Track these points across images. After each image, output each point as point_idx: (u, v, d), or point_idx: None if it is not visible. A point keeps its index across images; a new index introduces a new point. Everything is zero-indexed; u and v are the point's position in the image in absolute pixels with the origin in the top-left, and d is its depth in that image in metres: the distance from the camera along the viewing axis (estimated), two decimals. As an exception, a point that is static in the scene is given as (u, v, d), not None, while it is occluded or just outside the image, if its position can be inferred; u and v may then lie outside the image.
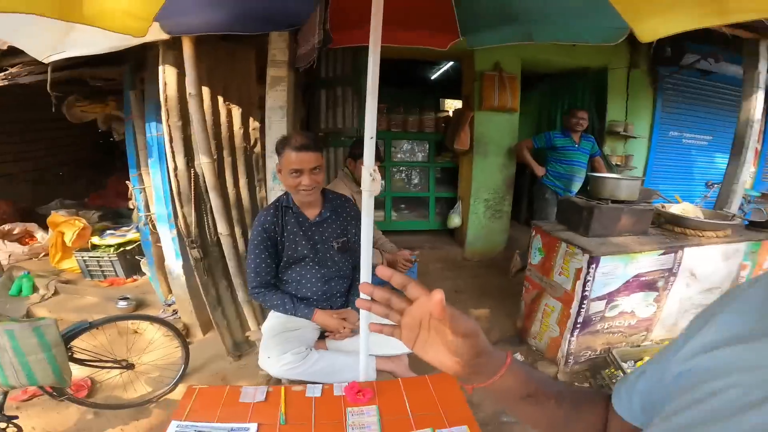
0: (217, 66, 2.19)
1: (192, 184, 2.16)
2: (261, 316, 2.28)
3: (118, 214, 3.90)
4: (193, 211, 2.17)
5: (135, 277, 3.26)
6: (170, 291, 2.74)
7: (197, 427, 1.04)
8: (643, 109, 4.38)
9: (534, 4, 1.73)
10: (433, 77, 6.67)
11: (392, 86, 4.83)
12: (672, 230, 2.31)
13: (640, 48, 4.03)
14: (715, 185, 4.26)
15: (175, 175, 2.13)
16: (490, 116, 3.79)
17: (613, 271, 2.02)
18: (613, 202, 2.20)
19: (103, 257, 3.18)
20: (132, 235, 3.35)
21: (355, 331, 1.59)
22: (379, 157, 2.35)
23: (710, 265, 2.27)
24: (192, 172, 2.16)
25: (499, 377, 0.51)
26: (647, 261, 2.09)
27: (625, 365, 2.13)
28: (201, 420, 1.07)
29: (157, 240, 2.62)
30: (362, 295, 0.53)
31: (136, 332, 2.57)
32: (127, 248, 3.28)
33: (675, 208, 2.47)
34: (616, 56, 4.07)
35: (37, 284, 3.06)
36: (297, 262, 1.60)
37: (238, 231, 2.26)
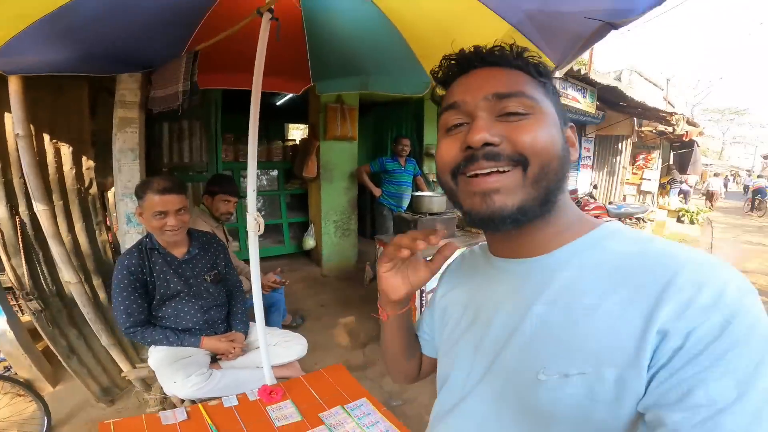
0: (44, 98, 2.02)
1: (19, 234, 1.95)
2: (131, 356, 2.18)
3: None
4: (23, 262, 1.95)
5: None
6: None
7: None
8: None
9: (369, 61, 2.14)
10: (278, 103, 6.86)
11: (237, 113, 4.85)
12: (470, 231, 3.15)
13: None
14: None
15: None
16: (333, 145, 4.21)
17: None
18: (430, 214, 2.90)
19: None
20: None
21: (245, 350, 1.76)
22: (237, 194, 2.50)
23: None
24: (17, 220, 1.95)
25: (406, 309, 0.69)
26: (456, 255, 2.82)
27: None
28: None
29: None
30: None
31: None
32: None
33: None
34: (430, 90, 5.02)
35: None
36: (171, 298, 1.65)
37: (81, 276, 2.09)
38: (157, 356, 1.66)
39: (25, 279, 1.96)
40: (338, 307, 3.66)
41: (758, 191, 13.40)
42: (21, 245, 1.97)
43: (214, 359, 1.75)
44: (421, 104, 4.94)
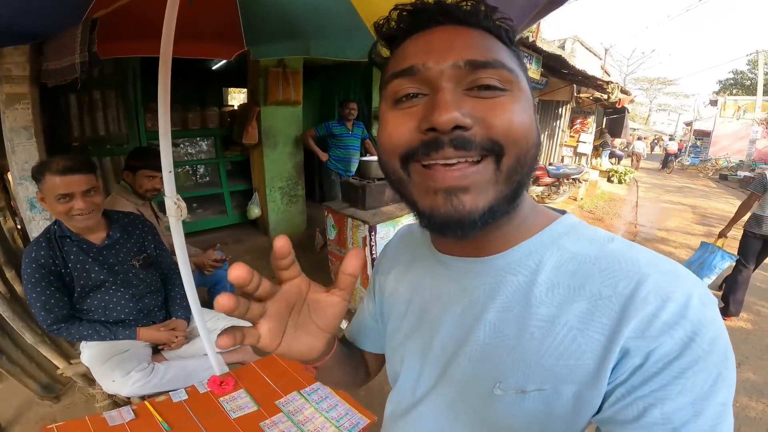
0: None
1: None
2: (65, 352, 2.00)
3: None
4: None
5: None
6: None
7: None
8: None
9: (311, 24, 1.97)
10: (214, 68, 6.32)
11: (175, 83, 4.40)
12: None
13: None
14: None
15: None
16: (276, 110, 4.01)
17: (386, 234, 2.68)
18: (378, 179, 2.84)
19: None
20: None
21: (189, 338, 1.66)
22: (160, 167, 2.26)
23: None
24: None
25: (335, 347, 0.54)
26: (408, 221, 2.83)
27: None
28: None
29: None
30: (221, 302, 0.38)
31: None
32: None
33: None
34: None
35: None
36: (95, 289, 1.49)
37: None
38: (90, 353, 1.52)
39: None
40: None
41: (670, 154, 16.02)
42: None
43: (157, 351, 1.65)
44: (369, 67, 4.83)
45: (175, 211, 1.22)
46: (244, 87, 5.55)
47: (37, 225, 1.91)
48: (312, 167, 5.04)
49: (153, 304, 1.65)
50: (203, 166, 4.47)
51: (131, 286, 1.57)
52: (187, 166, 4.35)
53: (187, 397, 1.27)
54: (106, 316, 1.52)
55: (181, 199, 1.24)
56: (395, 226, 2.73)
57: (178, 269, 1.78)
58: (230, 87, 7.25)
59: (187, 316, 1.72)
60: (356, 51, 2.11)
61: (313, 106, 5.87)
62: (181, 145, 4.21)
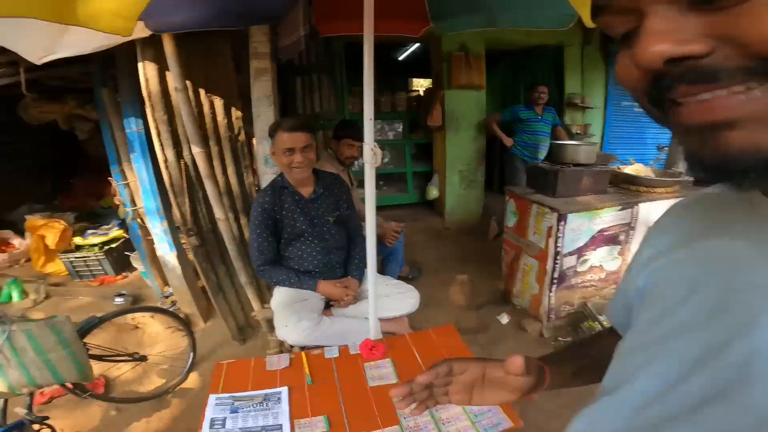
0: (196, 60, 2.22)
1: (183, 175, 2.22)
2: (263, 297, 2.38)
3: (93, 215, 3.85)
4: (187, 200, 2.23)
5: (125, 273, 3.28)
6: (166, 283, 2.79)
7: (235, 397, 1.13)
8: (597, 82, 4.73)
9: None
10: (400, 58, 6.75)
11: (362, 69, 4.90)
12: (628, 188, 2.57)
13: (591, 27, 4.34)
14: (666, 148, 4.61)
15: (166, 167, 2.18)
16: (459, 94, 4.00)
17: (579, 227, 2.26)
18: (575, 165, 2.43)
19: (89, 257, 3.17)
20: (115, 232, 3.37)
21: (357, 298, 1.74)
22: (361, 139, 2.48)
23: None
24: (182, 163, 2.22)
25: (547, 383, 0.59)
26: (608, 216, 2.34)
27: (601, 317, 2.36)
28: (235, 390, 1.15)
29: (147, 234, 2.63)
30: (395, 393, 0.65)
31: (137, 327, 2.62)
32: (113, 246, 3.28)
33: (629, 169, 2.73)
34: (570, 35, 4.31)
35: (26, 289, 3.03)
36: (296, 238, 1.72)
37: (231, 216, 2.34)
38: (278, 299, 1.74)
39: (188, 216, 2.25)
40: (458, 262, 3.50)
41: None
42: (185, 185, 2.26)
43: (327, 306, 1.78)
44: (560, 51, 4.47)
45: (370, 157, 1.25)
46: (427, 77, 5.72)
47: (267, 178, 2.24)
48: (493, 154, 4.87)
49: (336, 261, 1.80)
50: (391, 147, 4.79)
51: (323, 240, 1.75)
52: (380, 146, 4.71)
53: (337, 355, 1.32)
54: (298, 264, 1.75)
55: (377, 146, 1.27)
56: (592, 219, 2.28)
57: (361, 233, 1.92)
58: (415, 77, 7.60)
59: (361, 277, 1.81)
60: (549, 20, 1.84)
61: (496, 92, 5.62)
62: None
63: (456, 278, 2.84)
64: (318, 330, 1.56)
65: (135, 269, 3.19)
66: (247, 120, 2.66)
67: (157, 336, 2.42)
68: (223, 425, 1.03)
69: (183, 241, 2.51)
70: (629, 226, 2.45)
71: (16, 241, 3.64)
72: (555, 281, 2.36)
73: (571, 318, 2.59)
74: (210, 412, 1.08)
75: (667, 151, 4.32)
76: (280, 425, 1.02)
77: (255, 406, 1.09)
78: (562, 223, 2.20)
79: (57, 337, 1.60)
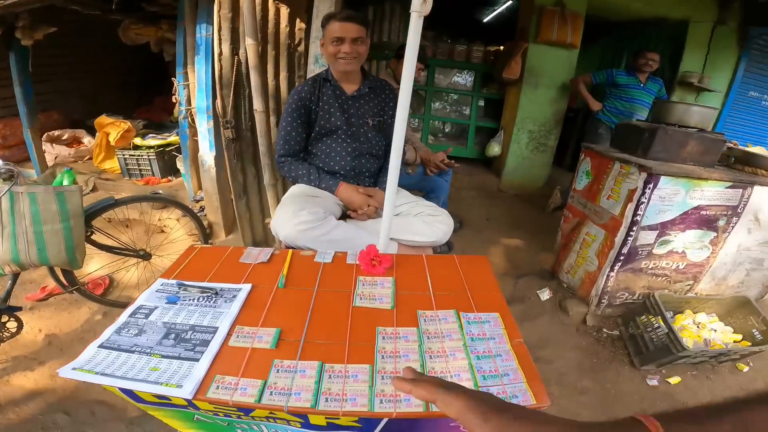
0: None
1: (234, 70, 2.16)
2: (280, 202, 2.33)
3: (161, 126, 4.01)
4: (231, 93, 2.16)
5: (170, 177, 3.36)
6: (200, 186, 2.78)
7: (182, 285, 0.91)
8: (723, 66, 4.14)
9: None
10: (485, 20, 6.23)
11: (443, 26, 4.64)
12: (741, 170, 2.04)
13: (730, 4, 3.79)
14: None
15: (219, 60, 2.16)
16: (545, 49, 3.57)
17: (671, 196, 1.80)
18: (681, 126, 1.95)
19: (142, 156, 3.28)
20: (172, 138, 3.46)
21: (379, 212, 1.50)
22: (424, 61, 2.27)
23: None
24: (236, 59, 2.18)
25: None
26: (712, 192, 1.85)
27: (667, 314, 1.92)
28: (191, 279, 0.95)
29: (195, 134, 2.69)
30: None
31: (163, 231, 2.63)
32: (167, 149, 3.37)
33: (748, 148, 2.17)
34: (700, 9, 3.80)
35: (77, 180, 3.16)
36: (329, 134, 1.55)
37: (272, 114, 2.25)
38: (290, 192, 1.56)
39: (229, 108, 2.18)
40: (507, 225, 3.15)
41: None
42: (233, 79, 2.20)
43: (345, 216, 1.57)
44: (683, 26, 3.88)
45: (420, 5, 0.97)
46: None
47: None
48: (571, 129, 4.37)
49: (367, 167, 1.60)
50: (459, 96, 4.43)
51: (356, 141, 1.57)
52: (446, 94, 4.43)
53: (330, 261, 1.06)
54: (325, 163, 1.57)
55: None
56: (690, 190, 1.81)
57: (402, 146, 1.71)
58: (498, 45, 7.11)
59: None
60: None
61: (593, 62, 5.03)
62: (442, 75, 4.29)
63: (502, 241, 2.50)
64: (319, 228, 1.30)
65: (180, 175, 3.23)
66: (310, 34, 2.58)
67: (176, 241, 2.38)
68: (147, 315, 0.84)
69: (224, 143, 2.46)
70: (735, 211, 1.94)
71: (86, 140, 3.89)
72: (621, 258, 1.94)
73: (626, 308, 2.18)
74: (143, 297, 0.89)
75: None
76: (216, 329, 0.80)
77: (200, 300, 0.88)
78: (650, 186, 1.76)
79: (59, 206, 1.51)
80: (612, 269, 1.99)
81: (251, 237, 2.39)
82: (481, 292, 0.94)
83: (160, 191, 2.92)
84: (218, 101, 2.17)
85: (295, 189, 1.56)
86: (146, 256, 2.07)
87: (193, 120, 2.63)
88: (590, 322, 2.18)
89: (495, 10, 5.78)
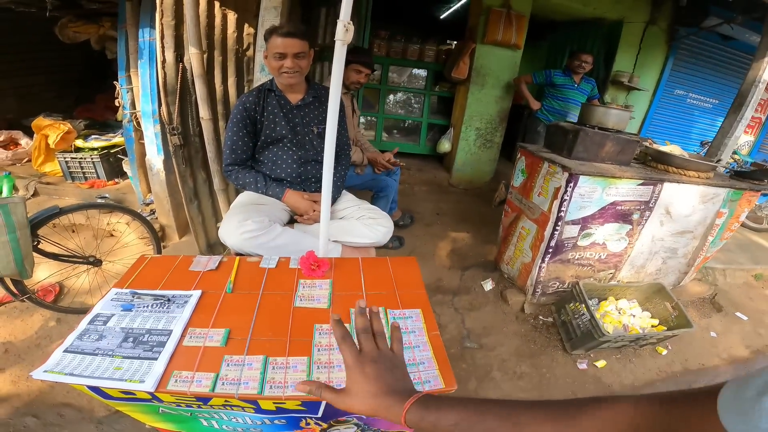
0: None
1: (179, 77, 2.16)
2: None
3: (105, 125, 3.83)
4: (177, 100, 2.16)
5: (117, 180, 3.25)
6: (150, 190, 2.75)
7: (136, 294, 0.97)
8: (652, 65, 4.44)
9: None
10: (442, 16, 6.37)
11: (400, 24, 4.72)
12: (655, 167, 2.29)
13: (661, 5, 4.07)
14: (709, 144, 4.27)
15: (163, 67, 2.14)
16: (492, 50, 3.75)
17: (590, 193, 2.03)
18: (601, 129, 2.18)
19: (85, 158, 3.14)
20: (117, 139, 3.32)
21: None
22: (370, 66, 2.37)
23: (687, 205, 2.27)
24: (180, 66, 2.17)
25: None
26: (626, 189, 2.09)
27: (590, 302, 2.16)
28: (143, 287, 1.01)
29: (141, 137, 2.64)
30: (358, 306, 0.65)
31: (112, 235, 2.58)
32: (111, 151, 3.25)
33: (661, 147, 2.44)
34: (634, 10, 4.07)
35: (17, 185, 3.03)
36: (275, 142, 1.62)
37: (221, 121, 2.28)
38: (238, 200, 1.63)
39: (175, 115, 2.18)
40: (455, 219, 3.34)
41: None
42: (179, 86, 2.19)
43: (292, 221, 1.65)
44: (618, 26, 4.15)
45: (343, 34, 1.06)
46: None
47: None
48: (516, 126, 4.63)
49: (313, 174, 1.68)
50: (411, 95, 4.58)
51: (302, 149, 1.65)
52: (398, 92, 4.57)
53: (274, 266, 1.14)
54: (271, 170, 1.64)
55: (351, 23, 1.07)
56: (606, 187, 2.04)
57: (348, 152, 1.82)
58: (453, 40, 7.26)
59: (336, 196, 1.69)
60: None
61: (534, 60, 5.38)
62: (396, 73, 4.43)
63: (450, 234, 2.67)
64: (265, 236, 1.38)
65: (128, 178, 3.15)
66: (259, 38, 2.59)
67: (128, 246, 2.36)
68: (105, 322, 0.90)
69: (171, 149, 2.44)
70: (647, 206, 2.20)
71: (23, 141, 3.67)
72: (550, 250, 2.16)
73: (558, 296, 2.42)
74: (99, 306, 0.95)
75: (707, 149, 4.00)
76: (170, 331, 0.88)
77: (153, 306, 0.95)
78: (572, 184, 1.97)
79: (4, 219, 1.50)
80: (543, 260, 2.20)
81: (205, 239, 2.41)
82: (407, 291, 1.06)
83: (107, 195, 2.85)
84: (163, 108, 2.17)
85: (243, 197, 1.63)
86: (96, 263, 2.05)
87: (138, 123, 2.59)
88: (528, 310, 2.40)
89: (451, 7, 5.92)
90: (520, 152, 2.43)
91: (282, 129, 1.59)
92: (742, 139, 5.05)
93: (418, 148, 4.56)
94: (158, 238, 2.19)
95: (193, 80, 2.16)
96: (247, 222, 1.36)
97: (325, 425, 0.96)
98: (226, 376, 0.79)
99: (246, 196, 1.62)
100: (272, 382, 0.79)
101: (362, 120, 4.45)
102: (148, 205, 2.77)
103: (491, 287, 2.50)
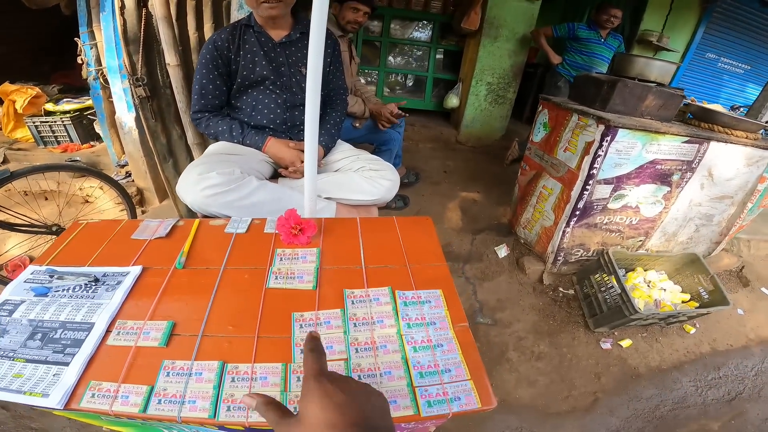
0: None
1: (143, 23, 1.85)
2: None
3: (83, 90, 3.53)
4: (141, 49, 1.86)
5: (92, 143, 2.98)
6: (124, 151, 2.47)
7: (56, 272, 0.72)
8: (684, 26, 4.19)
9: None
10: None
11: None
12: (698, 126, 2.00)
13: None
14: (741, 108, 4.00)
15: (122, 14, 1.84)
16: (507, 1, 3.37)
17: (628, 149, 1.74)
18: (641, 80, 1.88)
19: (56, 122, 2.87)
20: (91, 101, 3.03)
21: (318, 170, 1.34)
22: (370, 4, 2.03)
23: (731, 167, 2.01)
24: (144, 11, 1.86)
25: None
26: (668, 146, 1.80)
27: (619, 272, 1.91)
28: (70, 263, 0.76)
29: (109, 96, 2.35)
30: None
31: (87, 201, 2.33)
32: (85, 113, 2.97)
33: (707, 105, 2.15)
34: None
35: (-14, 153, 2.77)
36: (254, 85, 1.33)
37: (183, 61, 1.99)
38: (209, 149, 1.35)
39: (139, 65, 1.88)
40: (464, 178, 3.06)
41: None
42: (142, 33, 1.88)
43: (276, 176, 1.37)
44: None
45: None
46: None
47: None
48: (530, 84, 4.29)
49: (301, 120, 1.39)
50: (416, 48, 4.21)
51: (288, 92, 1.36)
52: (403, 45, 4.20)
53: (245, 231, 0.86)
54: (251, 117, 1.36)
55: None
56: (647, 143, 1.75)
57: (344, 97, 1.53)
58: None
59: (329, 145, 1.41)
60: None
61: (555, 16, 4.94)
62: (398, 27, 4.04)
63: (460, 194, 2.40)
64: (234, 192, 1.08)
65: (102, 141, 2.87)
66: None
67: (109, 212, 2.11)
68: (11, 312, 0.66)
69: (136, 102, 2.18)
70: (689, 166, 1.91)
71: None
72: (577, 213, 1.90)
73: (581, 266, 2.17)
74: (8, 290, 0.70)
75: (743, 111, 3.71)
76: (91, 325, 0.63)
77: (75, 289, 0.70)
78: (608, 138, 1.68)
79: None
80: (568, 224, 1.95)
81: (184, 207, 2.16)
82: (422, 263, 0.78)
83: (78, 158, 2.58)
84: (125, 58, 1.88)
85: (214, 147, 1.35)
86: (58, 231, 1.83)
87: (105, 80, 2.30)
88: (547, 280, 2.16)
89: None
90: (542, 104, 2.13)
91: (262, 70, 1.32)
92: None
93: (422, 103, 4.22)
94: (131, 202, 1.96)
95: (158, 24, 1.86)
96: (210, 174, 1.06)
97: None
98: (164, 391, 0.55)
99: (219, 146, 1.34)
100: (230, 401, 0.54)
101: (362, 80, 4.10)
102: (123, 166, 2.51)
103: (506, 254, 2.26)
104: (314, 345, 0.45)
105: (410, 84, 4.36)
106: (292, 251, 0.80)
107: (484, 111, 3.81)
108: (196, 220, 0.87)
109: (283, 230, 0.81)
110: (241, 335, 0.62)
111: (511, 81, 3.70)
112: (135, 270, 0.74)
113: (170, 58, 1.76)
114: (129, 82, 1.85)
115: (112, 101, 2.30)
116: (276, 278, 0.73)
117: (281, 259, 0.78)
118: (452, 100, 3.84)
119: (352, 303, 0.68)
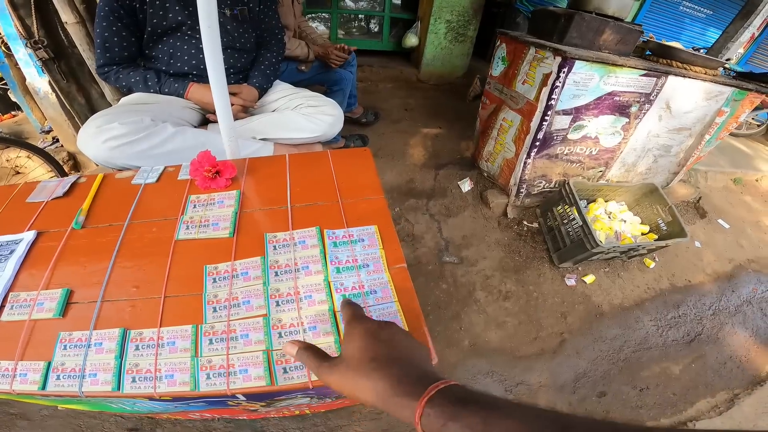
0: None
1: None
2: None
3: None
4: (33, 11, 1.65)
5: (14, 113, 2.68)
6: (45, 117, 2.24)
7: None
8: None
9: None
10: None
11: None
12: (657, 61, 1.97)
13: None
14: (701, 50, 4.00)
15: None
16: None
17: (586, 81, 1.68)
18: (599, 14, 1.79)
19: (-33, 92, 2.54)
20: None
21: (251, 112, 1.22)
22: None
23: (690, 100, 2.01)
24: None
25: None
26: (626, 79, 1.76)
27: (581, 204, 1.91)
28: None
29: (16, 63, 2.05)
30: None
31: (19, 173, 2.12)
32: (1, 84, 2.63)
33: (665, 42, 2.11)
34: None
35: None
36: (169, 33, 1.16)
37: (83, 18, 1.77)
38: (119, 102, 1.20)
39: (35, 29, 1.68)
40: (426, 115, 2.95)
41: None
42: None
43: (206, 123, 1.25)
44: None
45: None
46: None
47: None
48: (492, 22, 4.13)
49: (231, 63, 1.25)
50: None
51: None
52: None
53: (155, 181, 0.76)
54: (170, 65, 1.19)
55: None
56: (605, 75, 1.70)
57: (281, 37, 1.38)
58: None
59: (264, 86, 1.29)
60: None
61: None
62: None
63: (421, 130, 2.32)
64: (144, 141, 0.95)
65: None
66: None
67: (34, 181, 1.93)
68: None
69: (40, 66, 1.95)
70: (647, 98, 1.89)
71: None
72: (537, 143, 1.86)
73: (543, 198, 2.17)
74: None
75: (703, 52, 3.72)
76: None
77: None
78: (565, 69, 1.61)
79: None
80: (528, 155, 1.92)
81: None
82: (356, 198, 0.70)
83: (0, 129, 2.32)
84: (16, 22, 1.66)
85: (125, 99, 1.19)
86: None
87: (8, 47, 2.01)
88: (511, 214, 2.16)
89: None
90: (499, 39, 2.02)
91: (177, 15, 1.15)
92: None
93: (380, 44, 3.99)
94: (61, 167, 1.79)
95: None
96: (112, 125, 0.94)
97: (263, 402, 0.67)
98: (62, 366, 0.49)
99: (132, 97, 1.19)
100: (135, 371, 0.48)
101: (311, 23, 3.78)
102: (48, 132, 2.29)
103: (469, 188, 2.22)
104: (349, 300, 0.48)
105: (367, 25, 4.08)
106: (208, 197, 0.71)
107: (444, 49, 3.65)
108: (99, 175, 0.76)
109: (197, 174, 0.72)
110: (146, 297, 0.54)
111: (471, 18, 3.51)
112: (28, 236, 0.64)
113: (66, 16, 1.52)
114: (28, 46, 1.62)
115: (19, 68, 2.04)
116: (187, 228, 0.64)
117: (194, 207, 0.69)
118: (411, 40, 3.64)
119: (274, 249, 0.60)
